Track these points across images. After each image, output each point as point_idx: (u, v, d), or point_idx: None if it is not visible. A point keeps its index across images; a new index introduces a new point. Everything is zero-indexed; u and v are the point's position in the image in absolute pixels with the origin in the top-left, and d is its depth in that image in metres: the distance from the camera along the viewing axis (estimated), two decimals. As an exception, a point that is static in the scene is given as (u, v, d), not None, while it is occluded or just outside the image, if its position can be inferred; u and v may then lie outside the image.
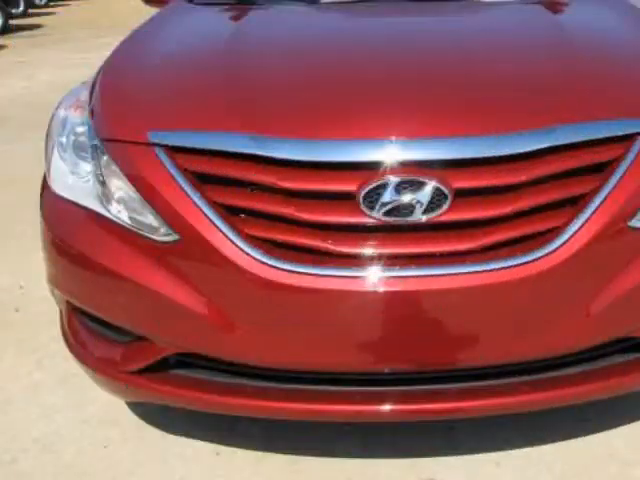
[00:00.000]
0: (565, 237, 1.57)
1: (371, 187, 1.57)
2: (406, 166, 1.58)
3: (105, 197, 1.77)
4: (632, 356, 1.78)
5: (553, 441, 2.04)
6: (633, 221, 1.62)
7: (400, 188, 1.56)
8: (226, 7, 2.60)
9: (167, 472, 2.00)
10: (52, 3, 17.64)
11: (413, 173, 1.57)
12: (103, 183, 1.78)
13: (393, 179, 1.56)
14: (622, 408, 2.14)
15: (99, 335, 1.90)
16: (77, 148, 1.90)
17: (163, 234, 1.67)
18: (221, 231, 1.60)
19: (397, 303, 1.57)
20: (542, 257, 1.56)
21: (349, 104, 1.74)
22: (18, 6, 14.63)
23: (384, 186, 1.56)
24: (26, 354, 2.57)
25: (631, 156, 1.63)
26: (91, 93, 2.02)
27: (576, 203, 1.60)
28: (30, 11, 15.26)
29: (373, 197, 1.57)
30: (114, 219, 1.75)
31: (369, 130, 1.63)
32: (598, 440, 2.04)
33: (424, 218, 1.58)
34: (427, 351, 1.64)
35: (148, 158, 1.69)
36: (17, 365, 2.51)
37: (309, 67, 1.96)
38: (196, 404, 1.80)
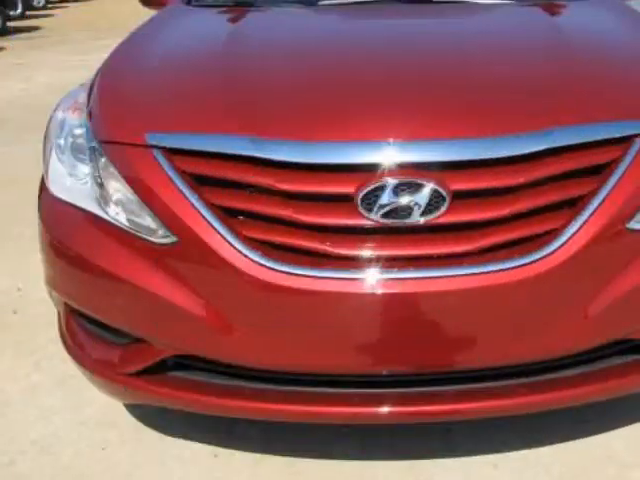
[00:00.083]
0: (563, 239, 1.57)
1: (369, 189, 1.57)
2: (404, 168, 1.58)
3: (103, 199, 1.77)
4: (630, 358, 1.78)
5: (551, 443, 2.04)
6: (631, 223, 1.62)
7: (398, 190, 1.56)
8: (224, 9, 2.60)
9: (165, 474, 2.00)
10: (50, 5, 17.62)
11: (411, 175, 1.57)
12: (101, 185, 1.78)
13: (391, 181, 1.56)
14: (621, 410, 2.14)
15: (97, 337, 1.90)
16: (75, 150, 1.90)
17: (161, 236, 1.67)
18: (219, 233, 1.60)
19: (395, 305, 1.57)
20: (540, 259, 1.56)
21: (347, 106, 1.74)
22: (16, 8, 14.58)
23: (382, 188, 1.57)
24: (24, 356, 2.57)
25: (629, 158, 1.63)
26: (89, 95, 2.02)
27: (574, 205, 1.60)
28: (28, 13, 15.18)
29: (371, 199, 1.57)
30: (112, 221, 1.74)
31: (367, 132, 1.63)
32: (597, 442, 2.04)
33: (422, 220, 1.58)
34: (425, 353, 1.64)
35: (146, 160, 1.69)
36: (15, 367, 2.51)
37: (307, 69, 1.96)
38: (194, 406, 1.80)
